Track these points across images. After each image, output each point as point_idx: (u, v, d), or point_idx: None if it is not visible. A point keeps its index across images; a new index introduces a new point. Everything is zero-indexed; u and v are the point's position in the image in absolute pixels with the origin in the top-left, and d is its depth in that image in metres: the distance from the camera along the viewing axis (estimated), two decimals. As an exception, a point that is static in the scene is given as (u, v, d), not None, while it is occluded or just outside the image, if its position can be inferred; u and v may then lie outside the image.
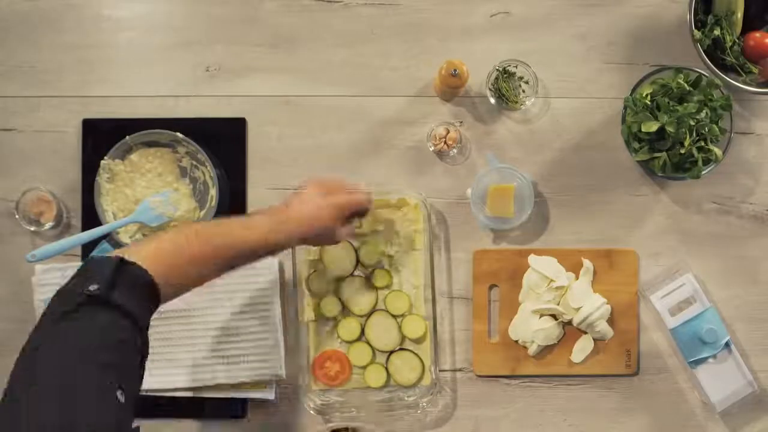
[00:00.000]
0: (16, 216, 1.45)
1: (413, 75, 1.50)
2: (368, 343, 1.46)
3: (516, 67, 1.47)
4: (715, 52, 1.44)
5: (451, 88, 1.45)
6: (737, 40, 1.45)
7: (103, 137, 1.48)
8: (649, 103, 1.39)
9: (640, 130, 1.39)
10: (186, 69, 1.50)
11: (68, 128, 1.50)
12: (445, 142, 1.46)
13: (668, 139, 1.38)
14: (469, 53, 1.48)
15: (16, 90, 1.50)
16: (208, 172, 1.46)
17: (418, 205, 1.46)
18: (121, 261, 1.06)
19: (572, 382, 1.49)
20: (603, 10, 1.51)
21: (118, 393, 0.96)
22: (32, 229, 1.46)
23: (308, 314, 1.46)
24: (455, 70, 1.40)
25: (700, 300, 1.45)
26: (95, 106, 1.50)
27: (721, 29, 1.43)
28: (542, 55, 1.49)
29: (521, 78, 1.48)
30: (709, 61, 1.40)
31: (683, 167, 1.41)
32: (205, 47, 1.50)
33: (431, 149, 1.48)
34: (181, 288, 1.16)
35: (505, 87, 1.47)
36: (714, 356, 1.44)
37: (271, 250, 1.25)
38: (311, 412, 1.44)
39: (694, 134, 1.38)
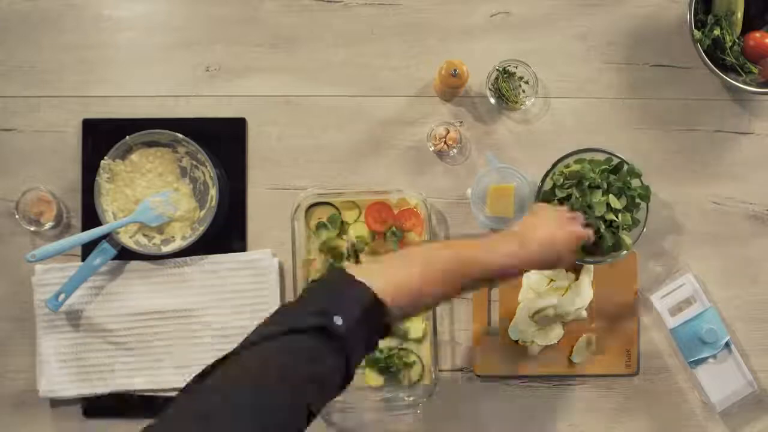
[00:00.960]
0: (16, 216, 1.45)
1: (413, 75, 1.50)
2: None
3: (516, 67, 1.47)
4: (715, 52, 1.44)
5: (451, 88, 1.45)
6: (737, 40, 1.45)
7: (103, 137, 1.48)
8: (561, 182, 1.40)
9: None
10: (186, 69, 1.50)
11: (68, 128, 1.50)
12: (445, 142, 1.46)
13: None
14: (469, 53, 1.48)
15: (16, 90, 1.50)
16: (208, 172, 1.46)
17: (418, 205, 1.46)
18: (375, 301, 1.00)
19: (572, 382, 1.49)
20: (603, 10, 1.51)
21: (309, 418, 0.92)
22: (32, 229, 1.46)
23: None
24: (455, 70, 1.40)
25: (700, 300, 1.45)
26: (95, 106, 1.50)
27: (721, 29, 1.43)
28: (542, 55, 1.49)
29: (521, 78, 1.48)
30: (709, 61, 1.40)
31: (588, 250, 1.40)
32: (205, 47, 1.50)
33: (431, 149, 1.48)
34: (409, 315, 1.10)
35: (505, 87, 1.47)
36: (714, 356, 1.44)
37: (509, 273, 1.19)
38: None
39: (605, 222, 1.38)
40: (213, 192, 1.46)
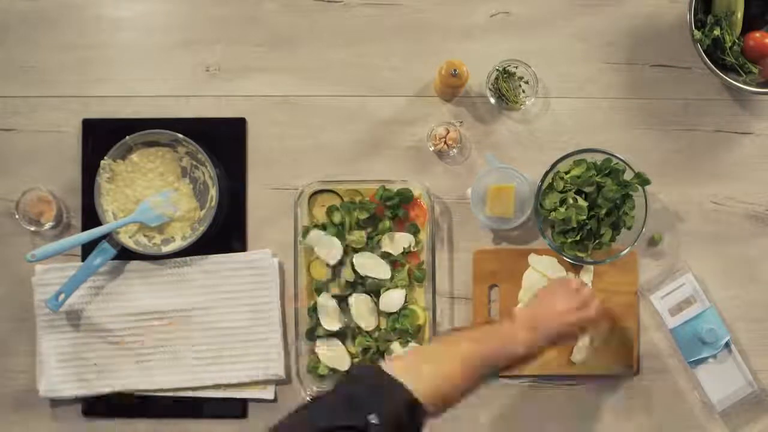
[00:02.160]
0: (16, 216, 1.45)
1: (413, 75, 1.50)
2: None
3: (516, 67, 1.47)
4: (715, 52, 1.44)
5: (451, 88, 1.45)
6: (737, 40, 1.45)
7: (103, 137, 1.48)
8: (563, 186, 1.42)
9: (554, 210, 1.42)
10: (186, 69, 1.50)
11: (68, 128, 1.49)
12: (445, 142, 1.46)
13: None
14: (469, 53, 1.48)
15: (16, 90, 1.50)
16: (208, 172, 1.46)
17: (421, 196, 1.46)
18: (414, 403, 1.02)
19: (572, 382, 1.49)
20: (603, 10, 1.51)
21: None
22: (32, 229, 1.46)
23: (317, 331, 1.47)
24: (455, 70, 1.40)
25: (700, 300, 1.45)
26: (95, 106, 1.50)
27: (721, 29, 1.43)
28: (542, 55, 1.49)
29: (521, 78, 1.48)
30: (709, 61, 1.40)
31: (583, 244, 1.43)
32: (205, 47, 1.50)
33: (431, 149, 1.48)
34: (440, 413, 1.11)
35: (505, 87, 1.47)
36: (714, 356, 1.44)
37: (529, 360, 1.23)
38: (308, 399, 1.43)
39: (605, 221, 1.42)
40: (213, 192, 1.46)
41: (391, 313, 1.46)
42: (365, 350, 1.46)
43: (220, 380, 1.45)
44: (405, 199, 1.46)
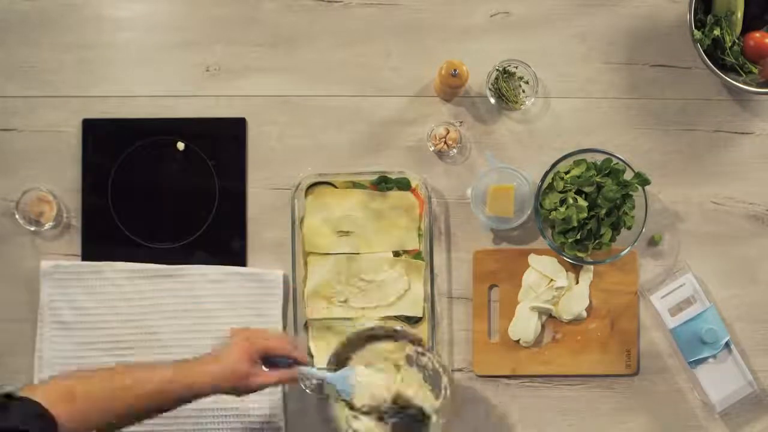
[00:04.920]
0: (16, 216, 1.45)
1: (413, 75, 1.50)
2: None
3: (516, 67, 1.47)
4: (715, 52, 1.44)
5: (451, 88, 1.45)
6: (737, 40, 1.45)
7: (103, 137, 1.48)
8: (563, 187, 1.42)
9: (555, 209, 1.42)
10: (186, 69, 1.50)
11: (68, 128, 1.49)
12: (445, 142, 1.46)
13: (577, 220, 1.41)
14: (469, 53, 1.48)
15: (16, 90, 1.50)
16: (435, 358, 1.34)
17: (418, 186, 1.46)
18: (6, 396, 1.03)
19: (572, 382, 1.49)
20: (603, 10, 1.51)
21: None
22: (32, 229, 1.46)
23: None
24: (455, 70, 1.40)
25: (700, 300, 1.45)
26: (95, 106, 1.50)
27: (721, 29, 1.43)
28: (542, 55, 1.49)
29: (521, 78, 1.48)
30: (709, 61, 1.40)
31: (583, 244, 1.43)
32: (205, 47, 1.50)
33: (431, 149, 1.48)
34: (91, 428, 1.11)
35: (505, 87, 1.47)
36: (714, 356, 1.44)
37: (183, 392, 1.20)
38: (308, 391, 1.43)
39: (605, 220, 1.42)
40: (445, 380, 1.33)
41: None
42: None
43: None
44: (403, 186, 1.46)
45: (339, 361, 1.34)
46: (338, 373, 1.32)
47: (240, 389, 1.23)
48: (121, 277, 1.47)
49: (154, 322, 1.47)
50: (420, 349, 1.34)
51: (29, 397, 1.04)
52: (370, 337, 1.34)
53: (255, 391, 1.24)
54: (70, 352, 1.46)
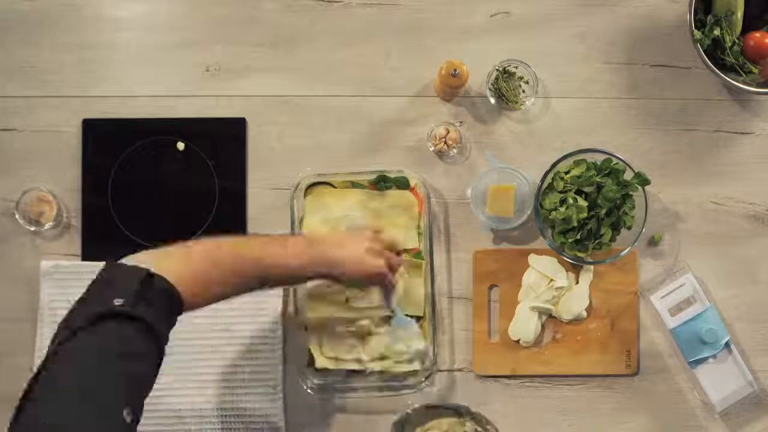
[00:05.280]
0: (16, 216, 1.45)
1: (413, 75, 1.50)
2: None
3: (516, 67, 1.47)
4: (715, 52, 1.44)
5: (451, 88, 1.45)
6: (737, 40, 1.45)
7: (103, 137, 1.48)
8: (563, 187, 1.43)
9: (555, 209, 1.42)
10: (186, 69, 1.50)
11: (68, 128, 1.50)
12: (445, 142, 1.46)
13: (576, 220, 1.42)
14: (469, 53, 1.48)
15: (16, 90, 1.50)
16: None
17: (417, 185, 1.46)
18: (149, 275, 1.04)
19: (572, 382, 1.49)
20: (603, 10, 1.51)
21: (125, 412, 0.94)
22: (32, 229, 1.46)
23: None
24: (455, 70, 1.40)
25: (700, 300, 1.45)
26: (95, 106, 1.50)
27: (721, 29, 1.43)
28: (542, 55, 1.49)
29: (521, 78, 1.48)
30: (709, 61, 1.40)
31: (583, 244, 1.43)
32: (205, 47, 1.50)
33: (431, 149, 1.48)
34: (206, 302, 1.14)
35: (505, 87, 1.47)
36: (714, 356, 1.44)
37: (300, 273, 1.23)
38: (309, 392, 1.44)
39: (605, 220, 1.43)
40: None
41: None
42: None
43: (219, 404, 1.45)
44: (402, 185, 1.46)
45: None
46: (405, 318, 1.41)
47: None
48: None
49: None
50: (479, 429, 1.37)
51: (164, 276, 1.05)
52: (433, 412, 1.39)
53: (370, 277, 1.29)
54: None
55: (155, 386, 1.48)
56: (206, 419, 1.46)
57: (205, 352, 1.46)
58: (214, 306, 1.45)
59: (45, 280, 1.46)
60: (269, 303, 1.47)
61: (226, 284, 1.15)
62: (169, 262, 1.08)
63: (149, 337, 1.02)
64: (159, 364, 1.05)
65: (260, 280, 1.19)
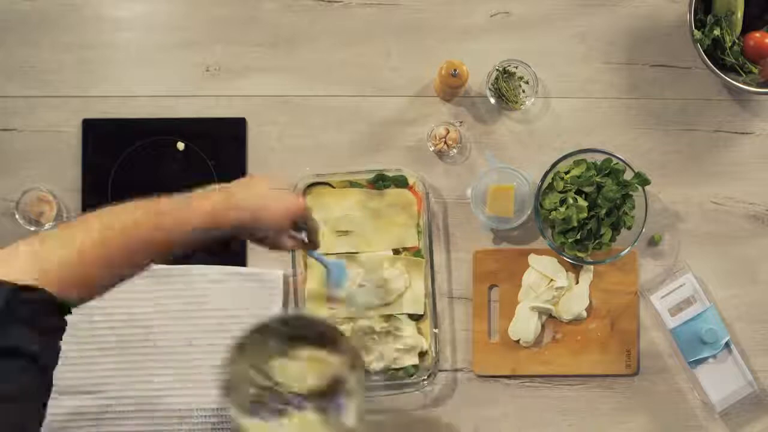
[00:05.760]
0: (16, 216, 1.45)
1: (413, 75, 1.50)
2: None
3: (516, 67, 1.47)
4: (715, 52, 1.44)
5: (451, 88, 1.45)
6: (737, 40, 1.45)
7: (103, 137, 1.48)
8: (563, 187, 1.43)
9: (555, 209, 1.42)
10: (186, 69, 1.50)
11: (68, 128, 1.50)
12: (445, 142, 1.46)
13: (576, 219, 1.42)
14: (469, 53, 1.48)
15: (16, 90, 1.50)
16: None
17: (416, 183, 1.46)
18: (15, 290, 0.86)
19: (572, 382, 1.49)
20: (603, 10, 1.51)
21: None
22: (32, 229, 1.46)
23: None
24: (455, 70, 1.40)
25: (700, 300, 1.45)
26: (95, 106, 1.50)
27: (721, 29, 1.43)
28: (542, 55, 1.49)
29: (521, 78, 1.48)
30: (709, 61, 1.40)
31: (583, 244, 1.43)
32: (205, 47, 1.50)
33: (431, 149, 1.48)
34: (102, 291, 1.01)
35: (505, 87, 1.47)
36: (714, 356, 1.44)
37: (210, 234, 1.07)
38: None
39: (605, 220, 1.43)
40: None
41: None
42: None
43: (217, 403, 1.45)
44: (400, 184, 1.46)
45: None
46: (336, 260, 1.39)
47: (268, 241, 1.15)
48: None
49: (154, 321, 1.47)
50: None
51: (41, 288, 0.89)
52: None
53: (278, 249, 1.17)
54: (70, 351, 1.46)
55: (155, 386, 1.50)
56: (206, 419, 1.46)
57: (206, 352, 1.46)
58: (215, 306, 1.47)
59: None
60: (269, 303, 1.47)
61: (121, 266, 1.00)
62: (51, 254, 0.92)
63: (25, 363, 0.85)
64: (46, 394, 0.89)
65: (163, 247, 1.04)
